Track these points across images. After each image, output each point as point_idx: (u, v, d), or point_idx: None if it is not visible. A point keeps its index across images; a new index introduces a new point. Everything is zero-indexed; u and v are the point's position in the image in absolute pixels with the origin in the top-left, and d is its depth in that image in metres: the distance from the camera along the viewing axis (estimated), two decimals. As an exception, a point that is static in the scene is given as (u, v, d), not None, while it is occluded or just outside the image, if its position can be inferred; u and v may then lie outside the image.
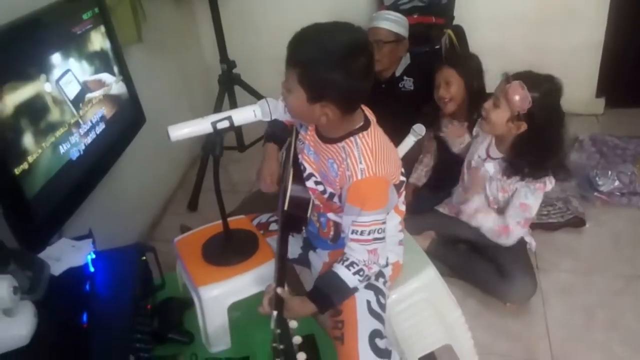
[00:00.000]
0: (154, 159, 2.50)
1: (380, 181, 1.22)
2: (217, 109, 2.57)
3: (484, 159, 1.91)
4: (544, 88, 1.68)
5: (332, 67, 1.13)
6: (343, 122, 1.24)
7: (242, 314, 1.53)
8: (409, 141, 2.00)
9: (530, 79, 1.69)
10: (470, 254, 2.02)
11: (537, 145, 1.72)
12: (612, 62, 2.94)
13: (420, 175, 2.34)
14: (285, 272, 1.23)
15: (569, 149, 2.24)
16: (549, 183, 1.80)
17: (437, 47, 2.54)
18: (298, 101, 1.19)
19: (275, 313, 1.08)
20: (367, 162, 1.21)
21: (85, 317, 1.31)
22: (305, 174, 1.35)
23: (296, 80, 1.16)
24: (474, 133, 2.04)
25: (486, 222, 1.91)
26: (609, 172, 2.38)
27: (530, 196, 1.81)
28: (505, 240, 1.89)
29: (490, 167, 1.89)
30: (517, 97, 1.67)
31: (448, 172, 2.19)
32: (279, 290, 1.15)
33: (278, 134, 1.59)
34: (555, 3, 2.83)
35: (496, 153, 1.88)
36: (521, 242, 1.97)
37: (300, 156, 1.37)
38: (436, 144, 2.34)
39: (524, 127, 1.71)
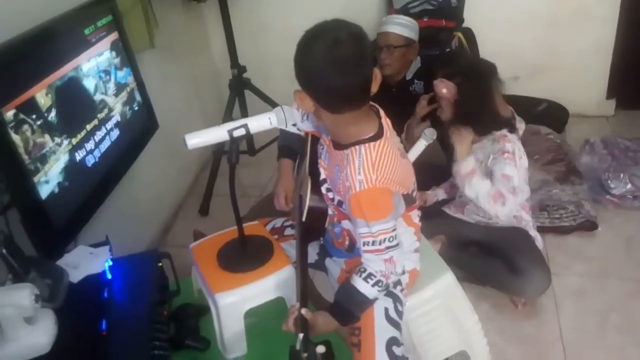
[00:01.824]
0: (165, 165, 2.51)
1: (381, 191, 1.19)
2: (228, 113, 2.59)
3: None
4: (462, 68, 1.93)
5: (301, 51, 1.14)
6: (347, 126, 1.21)
7: (258, 320, 1.53)
8: (420, 145, 2.00)
9: (448, 69, 1.93)
10: (481, 254, 2.02)
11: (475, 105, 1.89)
12: (622, 64, 2.93)
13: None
14: (307, 291, 1.22)
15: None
16: (517, 150, 1.88)
17: (448, 50, 2.55)
18: None
19: (301, 336, 1.08)
20: (365, 173, 1.18)
21: (104, 324, 1.32)
22: (320, 179, 1.35)
23: None
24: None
25: (482, 187, 1.91)
26: (621, 175, 2.37)
27: (506, 166, 1.86)
28: (502, 208, 1.88)
29: (471, 161, 1.93)
30: (444, 90, 1.88)
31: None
32: (303, 311, 1.14)
33: (293, 146, 1.59)
34: (564, 5, 2.82)
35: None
36: (528, 237, 1.98)
37: (319, 161, 1.37)
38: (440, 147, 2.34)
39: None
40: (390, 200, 1.22)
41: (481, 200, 1.91)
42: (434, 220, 2.11)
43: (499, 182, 1.88)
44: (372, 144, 1.20)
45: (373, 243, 1.21)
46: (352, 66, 1.12)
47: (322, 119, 1.24)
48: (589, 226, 2.26)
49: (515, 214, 1.97)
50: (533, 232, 1.99)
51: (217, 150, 2.59)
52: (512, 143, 1.89)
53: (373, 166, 1.18)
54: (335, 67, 1.11)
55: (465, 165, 1.93)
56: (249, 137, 1.37)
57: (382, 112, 1.27)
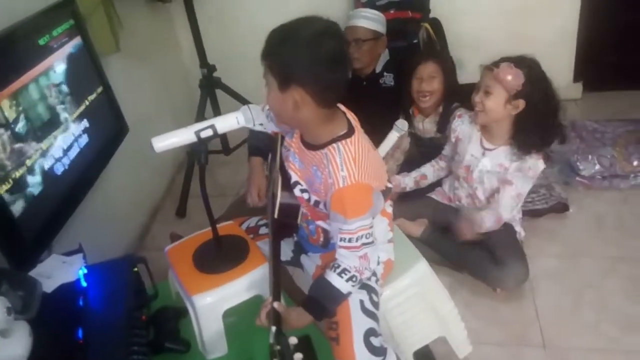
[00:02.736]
0: (139, 168, 2.49)
1: (363, 187, 1.21)
2: (200, 113, 2.57)
3: (482, 154, 1.95)
4: (526, 64, 1.77)
5: (298, 48, 1.13)
6: (323, 124, 1.23)
7: (237, 319, 1.54)
8: (392, 137, 2.03)
9: (510, 61, 1.77)
10: (463, 242, 2.04)
11: (540, 116, 1.79)
12: (587, 47, 2.98)
13: (392, 168, 2.33)
14: (280, 285, 1.23)
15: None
16: (540, 165, 1.86)
17: (415, 41, 2.56)
18: (273, 94, 1.19)
19: (273, 328, 1.08)
20: (348, 169, 1.19)
21: (80, 333, 1.30)
22: (291, 182, 1.36)
23: (269, 70, 1.17)
24: (452, 139, 2.06)
25: (490, 223, 1.95)
26: (590, 157, 2.42)
27: (525, 184, 1.89)
28: (498, 226, 1.96)
29: (487, 162, 1.93)
30: (509, 77, 1.74)
31: (427, 161, 2.22)
32: (275, 304, 1.15)
33: (261, 146, 1.59)
34: (529, -9, 2.87)
35: (491, 145, 1.93)
36: (512, 230, 2.02)
37: (286, 164, 1.37)
38: (410, 139, 2.36)
39: (522, 104, 1.78)
40: (371, 197, 1.24)
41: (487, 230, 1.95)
42: (417, 203, 2.14)
43: (507, 200, 1.90)
44: (348, 140, 1.23)
45: (350, 240, 1.23)
46: (345, 59, 1.17)
47: (297, 119, 1.22)
48: (561, 208, 2.30)
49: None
50: (518, 228, 2.04)
51: (191, 151, 2.55)
52: (542, 162, 1.86)
53: (354, 161, 1.20)
54: (340, 60, 1.15)
55: (483, 226, 1.94)
56: (217, 137, 1.36)
57: (343, 108, 1.29)
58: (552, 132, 1.85)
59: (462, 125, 2.03)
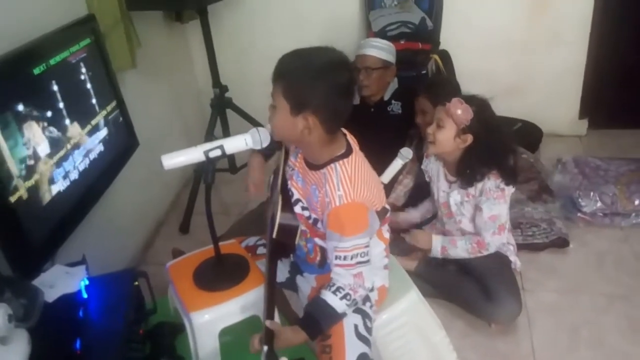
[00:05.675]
0: (146, 182, 2.53)
1: (358, 207, 1.25)
2: (210, 132, 2.61)
3: (449, 188, 1.99)
4: (476, 102, 1.84)
5: (315, 77, 1.20)
6: (325, 146, 1.28)
7: (233, 339, 1.55)
8: (397, 164, 2.06)
9: (462, 98, 1.84)
10: (457, 275, 2.05)
11: (484, 153, 1.84)
12: (594, 84, 3.02)
13: (399, 195, 2.36)
14: (274, 303, 1.25)
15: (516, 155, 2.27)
16: (507, 189, 1.89)
17: (424, 71, 2.61)
18: (282, 116, 1.24)
19: (265, 348, 1.10)
20: (344, 188, 1.24)
21: (78, 344, 1.32)
22: (293, 200, 1.39)
23: (280, 93, 1.22)
24: (427, 179, 2.12)
25: (459, 252, 1.99)
26: (592, 193, 2.44)
27: (494, 206, 1.89)
28: (487, 251, 1.96)
29: (456, 195, 1.97)
30: (459, 111, 1.80)
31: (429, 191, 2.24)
32: (267, 323, 1.17)
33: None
34: (538, 28, 2.91)
35: (452, 178, 1.98)
36: (506, 263, 2.02)
37: (289, 182, 1.41)
38: (419, 165, 2.39)
39: (470, 138, 1.84)
40: (366, 216, 1.27)
41: (467, 256, 1.99)
42: None
43: (483, 224, 1.92)
44: (345, 160, 1.28)
45: (344, 258, 1.26)
46: (354, 89, 1.24)
47: (301, 142, 1.27)
48: (561, 243, 2.31)
49: (504, 241, 2.01)
50: (513, 258, 2.04)
51: (198, 169, 2.60)
52: (502, 182, 1.89)
53: (350, 180, 1.25)
54: (350, 91, 1.23)
55: (435, 252, 2.04)
56: (224, 157, 1.40)
57: (344, 130, 1.34)
58: (500, 173, 1.87)
59: (430, 165, 2.08)
